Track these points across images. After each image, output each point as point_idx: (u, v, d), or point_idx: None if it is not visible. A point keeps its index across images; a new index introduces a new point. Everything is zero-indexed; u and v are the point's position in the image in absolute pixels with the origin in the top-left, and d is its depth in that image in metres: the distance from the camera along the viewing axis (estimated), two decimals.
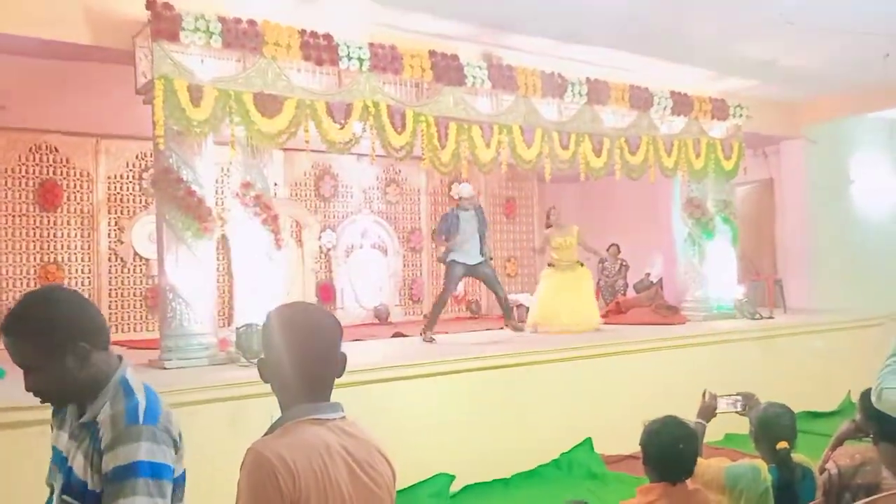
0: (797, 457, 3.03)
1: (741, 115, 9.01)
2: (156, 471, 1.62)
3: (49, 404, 1.82)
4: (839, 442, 3.33)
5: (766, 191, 11.06)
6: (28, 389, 1.72)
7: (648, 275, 10.88)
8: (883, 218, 11.12)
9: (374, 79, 6.29)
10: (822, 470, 3.23)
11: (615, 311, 9.33)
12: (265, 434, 1.71)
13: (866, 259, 10.55)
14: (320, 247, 10.27)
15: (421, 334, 7.31)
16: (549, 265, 8.30)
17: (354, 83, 6.21)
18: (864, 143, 11.00)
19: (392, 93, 6.49)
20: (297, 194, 10.18)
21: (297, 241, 10.08)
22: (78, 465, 1.67)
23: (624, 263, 11.00)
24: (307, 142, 6.00)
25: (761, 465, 2.95)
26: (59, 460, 1.76)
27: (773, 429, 2.99)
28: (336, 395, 5.42)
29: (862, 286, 10.22)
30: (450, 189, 11.36)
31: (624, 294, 10.55)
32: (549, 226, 8.46)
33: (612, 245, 11.02)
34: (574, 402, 6.24)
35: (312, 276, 10.15)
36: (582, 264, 8.27)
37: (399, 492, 5.33)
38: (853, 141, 10.93)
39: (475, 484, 5.46)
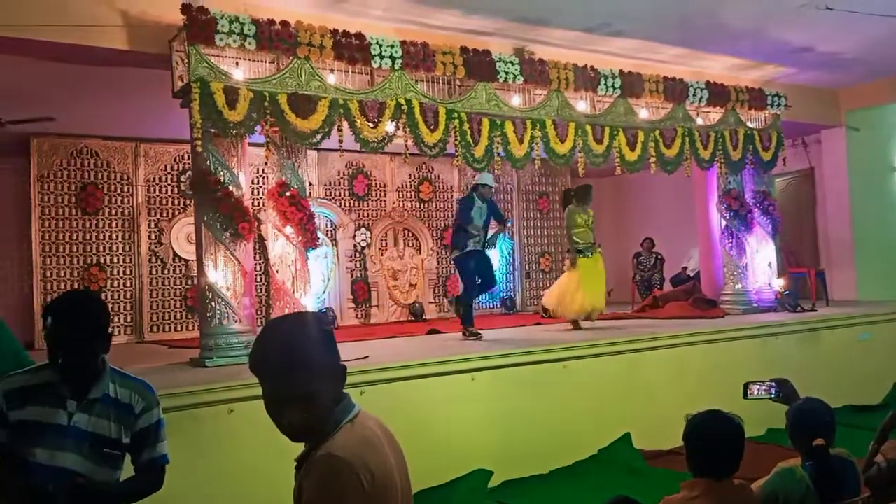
0: (837, 451, 2.96)
1: (779, 105, 8.84)
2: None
3: None
4: (884, 434, 3.25)
5: (807, 181, 10.84)
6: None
7: (685, 268, 10.75)
8: None
9: (406, 77, 6.30)
10: (871, 464, 3.16)
11: (652, 305, 9.23)
12: (313, 442, 1.65)
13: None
14: (355, 245, 10.34)
15: (463, 334, 7.09)
16: (576, 251, 7.66)
17: (387, 81, 6.23)
18: None
19: (424, 90, 6.49)
20: (331, 193, 10.26)
21: (331, 240, 10.16)
22: (109, 427, 2.38)
23: (659, 257, 10.87)
24: (341, 141, 6.03)
25: (794, 464, 2.90)
26: (75, 432, 2.33)
27: (811, 424, 2.93)
28: (373, 393, 5.44)
29: None
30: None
31: (660, 288, 10.43)
32: (565, 204, 7.89)
33: (647, 239, 10.90)
34: (612, 396, 6.19)
35: (347, 275, 10.23)
36: (599, 245, 7.84)
37: (437, 487, 5.37)
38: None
39: (513, 480, 5.45)
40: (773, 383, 3.28)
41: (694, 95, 8.11)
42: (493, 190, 7.45)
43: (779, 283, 8.85)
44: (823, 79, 9.57)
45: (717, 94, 8.31)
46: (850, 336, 8.07)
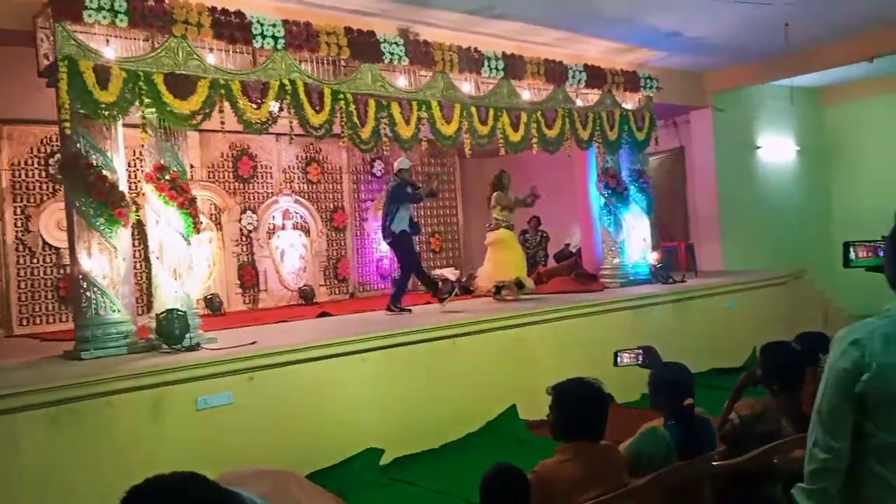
0: (696, 410, 3.24)
1: (652, 87, 9.30)
2: None
3: None
4: (738, 393, 3.58)
5: (678, 159, 11.48)
6: None
7: (568, 245, 11.18)
8: (786, 181, 11.79)
9: (289, 57, 6.21)
10: (726, 421, 3.47)
11: (537, 281, 9.56)
12: None
13: (771, 221, 11.18)
14: (241, 229, 10.12)
15: (389, 308, 7.54)
16: (496, 227, 8.40)
17: (270, 62, 6.12)
18: (767, 109, 11.57)
19: (309, 71, 6.42)
20: (214, 176, 9.97)
21: (216, 224, 9.90)
22: None
23: (544, 235, 11.26)
24: (223, 123, 5.90)
25: (657, 425, 3.15)
26: None
27: (671, 387, 3.18)
28: (262, 379, 5.40)
29: (767, 247, 10.84)
30: (371, 167, 11.34)
31: (545, 265, 10.81)
32: (495, 189, 8.51)
33: (533, 217, 11.24)
34: (499, 370, 6.43)
35: (234, 259, 10.01)
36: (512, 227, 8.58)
37: (328, 468, 5.42)
38: (757, 108, 11.48)
39: (405, 456, 5.58)
40: (640, 350, 3.54)
41: (573, 78, 8.42)
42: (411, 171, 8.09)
43: (653, 257, 9.38)
44: (691, 62, 10.15)
45: (595, 76, 8.66)
46: (717, 304, 8.70)
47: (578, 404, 2.75)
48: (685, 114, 11.14)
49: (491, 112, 7.75)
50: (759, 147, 11.41)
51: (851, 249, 2.35)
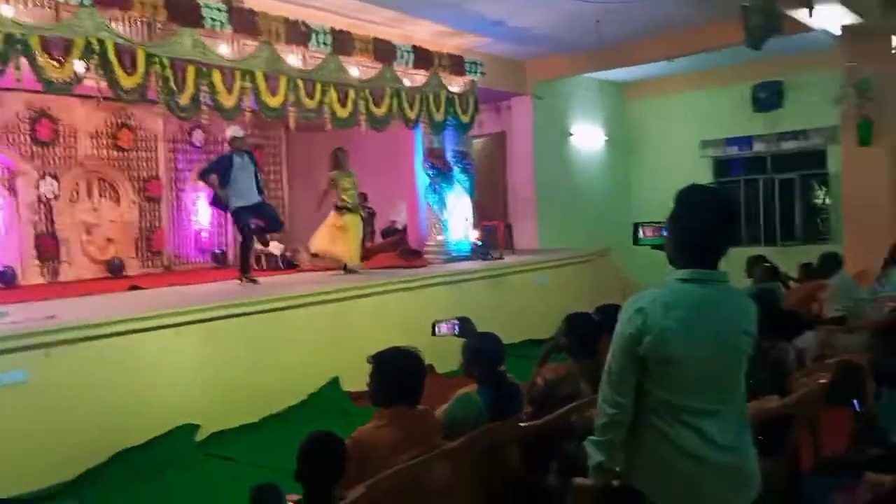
0: (506, 377, 3.48)
1: (476, 72, 9.61)
2: None
3: None
4: (544, 360, 3.87)
5: (500, 143, 11.98)
6: None
7: (394, 222, 11.34)
8: (594, 167, 12.69)
9: (98, 14, 5.75)
10: (533, 384, 3.74)
11: (363, 256, 9.64)
12: None
13: (581, 203, 12.01)
14: (39, 196, 9.26)
15: (239, 279, 7.51)
16: (338, 207, 8.38)
17: (75, 18, 5.64)
18: (580, 100, 12.37)
19: (120, 31, 6.00)
20: (8, 139, 9.03)
21: (8, 190, 9.01)
22: None
23: (371, 211, 11.33)
24: (19, 80, 5.38)
25: (471, 391, 3.36)
26: None
27: (484, 355, 3.39)
28: (62, 355, 5.05)
29: (578, 227, 11.64)
30: (190, 135, 10.80)
31: (371, 241, 10.90)
32: (334, 168, 8.42)
33: (360, 194, 11.27)
34: (322, 343, 6.45)
35: (30, 228, 9.15)
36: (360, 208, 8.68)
37: (140, 446, 5.19)
38: (571, 98, 12.24)
39: (222, 431, 5.46)
40: (457, 321, 3.72)
41: (401, 58, 8.50)
42: (246, 138, 7.86)
43: (474, 235, 9.77)
44: (514, 50, 10.59)
45: (423, 58, 8.80)
46: (531, 280, 9.24)
47: (396, 371, 2.86)
48: (507, 99, 11.62)
49: (318, 86, 7.65)
50: (571, 134, 12.17)
51: (640, 229, 2.60)
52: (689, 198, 2.24)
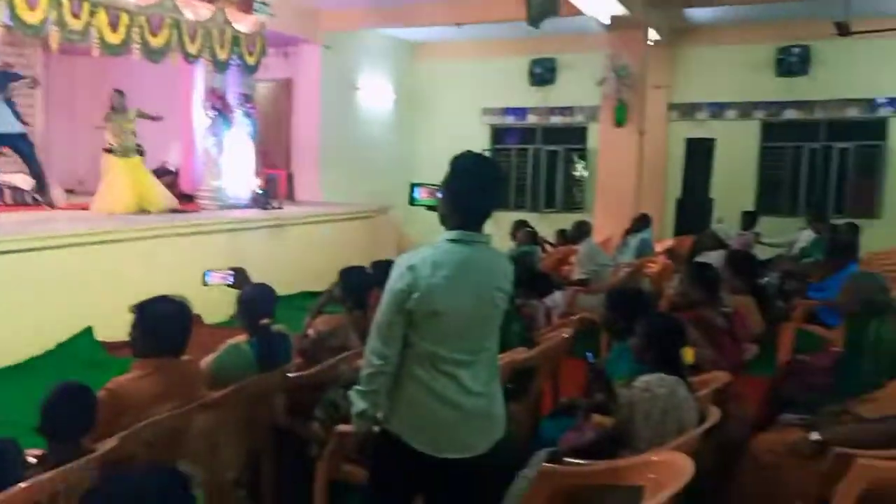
0: (277, 327, 3.50)
1: (265, 12, 9.22)
2: None
3: None
4: (317, 312, 3.94)
5: (285, 89, 11.65)
6: None
7: (165, 163, 10.65)
8: (382, 124, 12.82)
9: None
10: (305, 335, 3.80)
11: None
12: None
13: (367, 159, 12.10)
14: None
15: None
16: (108, 151, 7.94)
17: None
18: (370, 55, 12.37)
19: None
20: None
21: None
22: None
23: (140, 150, 10.54)
24: None
25: (241, 341, 3.34)
26: None
27: (256, 306, 3.39)
28: None
29: (361, 183, 11.74)
30: None
31: None
32: (112, 109, 7.98)
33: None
34: (76, 289, 5.96)
35: None
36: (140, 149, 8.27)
37: None
38: (362, 52, 12.20)
39: None
40: (231, 272, 3.65)
41: None
42: None
43: (254, 183, 9.49)
44: None
45: None
46: (311, 232, 9.21)
47: (160, 321, 2.76)
48: (296, 45, 11.30)
49: (86, 6, 6.91)
50: (359, 89, 12.17)
51: (416, 190, 2.71)
52: (461, 163, 2.38)
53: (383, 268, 4.25)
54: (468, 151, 2.43)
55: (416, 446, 2.31)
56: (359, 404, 2.34)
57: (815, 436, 2.94)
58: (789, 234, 8.98)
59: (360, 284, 3.94)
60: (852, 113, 11.39)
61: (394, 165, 12.78)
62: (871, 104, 11.27)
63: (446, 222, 2.36)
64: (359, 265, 4.21)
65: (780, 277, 6.45)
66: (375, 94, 12.53)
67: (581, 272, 6.55)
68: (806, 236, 8.31)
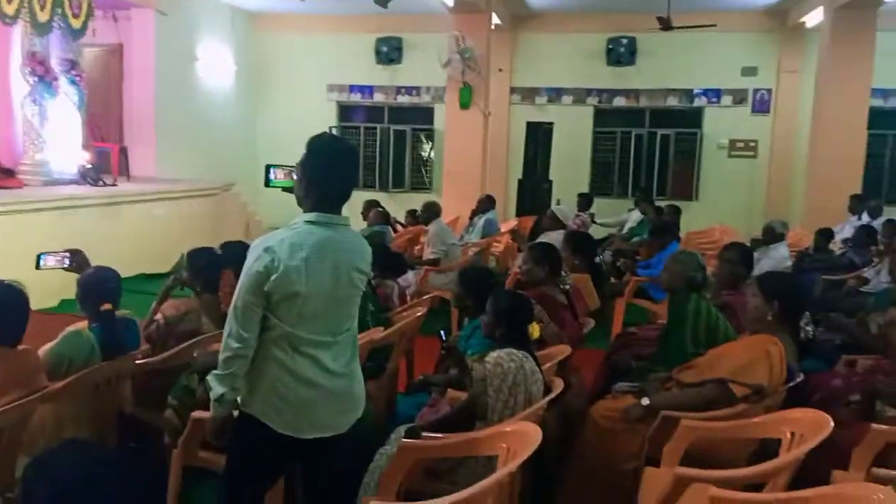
0: (122, 312, 3.33)
1: None
2: None
3: None
4: (164, 296, 3.78)
5: (116, 56, 10.88)
6: None
7: None
8: (223, 97, 12.30)
9: None
10: (152, 321, 3.64)
11: None
12: None
13: (207, 133, 11.59)
14: None
15: None
16: None
17: None
18: (209, 24, 11.81)
19: None
20: None
21: None
22: None
23: None
24: None
25: (82, 327, 3.16)
26: None
27: (98, 290, 3.21)
28: None
29: (201, 158, 11.23)
30: None
31: None
32: None
33: None
34: None
35: None
36: None
37: None
38: (201, 21, 11.62)
39: None
40: (67, 254, 3.42)
41: None
42: None
43: (83, 157, 8.82)
44: None
45: None
46: (149, 210, 8.72)
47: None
48: (127, 9, 10.56)
49: None
50: (198, 59, 11.60)
51: (272, 171, 2.68)
52: (317, 145, 2.39)
53: (234, 249, 4.17)
54: (325, 133, 2.45)
55: (277, 428, 2.32)
56: (217, 388, 2.31)
57: (645, 401, 3.24)
58: (620, 215, 9.68)
59: (209, 266, 3.81)
60: (673, 102, 12.39)
61: (236, 140, 12.35)
62: (689, 94, 12.32)
63: (304, 204, 2.36)
64: (207, 247, 4.06)
65: (612, 256, 6.95)
66: (216, 65, 12.00)
67: (431, 252, 6.70)
68: (635, 217, 9.00)
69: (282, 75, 13.14)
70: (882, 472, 2.59)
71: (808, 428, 2.66)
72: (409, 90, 13.01)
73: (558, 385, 3.11)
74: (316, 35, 12.88)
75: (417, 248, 7.49)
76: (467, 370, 3.14)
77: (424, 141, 13.29)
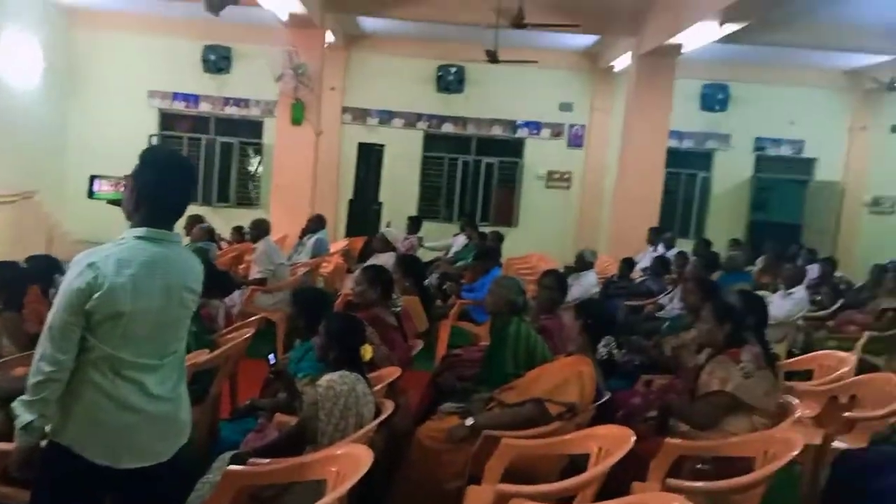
0: None
1: None
2: None
3: None
4: None
5: None
6: None
7: None
8: (28, 96, 11.23)
9: None
10: None
11: None
12: None
13: (6, 136, 10.52)
14: None
15: None
16: None
17: None
18: (15, 14, 10.77)
19: None
20: None
21: None
22: None
23: None
24: None
25: None
26: None
27: None
28: None
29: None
30: None
31: None
32: None
33: None
34: None
35: None
36: None
37: None
38: (7, 11, 10.57)
39: None
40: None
41: None
42: None
43: None
44: None
45: None
46: None
47: None
48: None
49: None
50: None
51: (96, 182, 2.53)
52: (152, 157, 2.32)
53: (40, 263, 3.87)
54: (159, 145, 2.40)
55: (92, 458, 2.19)
56: (25, 416, 2.14)
57: (469, 421, 3.39)
58: (446, 239, 9.99)
59: (12, 282, 3.50)
60: (497, 132, 13.04)
61: (42, 145, 11.32)
62: (512, 125, 13.02)
63: (133, 218, 2.26)
64: (9, 260, 3.73)
65: (438, 279, 7.16)
66: (20, 60, 10.95)
67: (258, 271, 6.54)
68: (460, 241, 9.33)
69: (98, 77, 12.23)
70: (674, 482, 2.89)
71: (612, 443, 2.92)
72: (238, 102, 12.64)
73: (388, 407, 3.17)
74: (138, 36, 12.16)
75: (243, 266, 7.28)
76: (298, 394, 3.12)
77: (252, 155, 12.95)
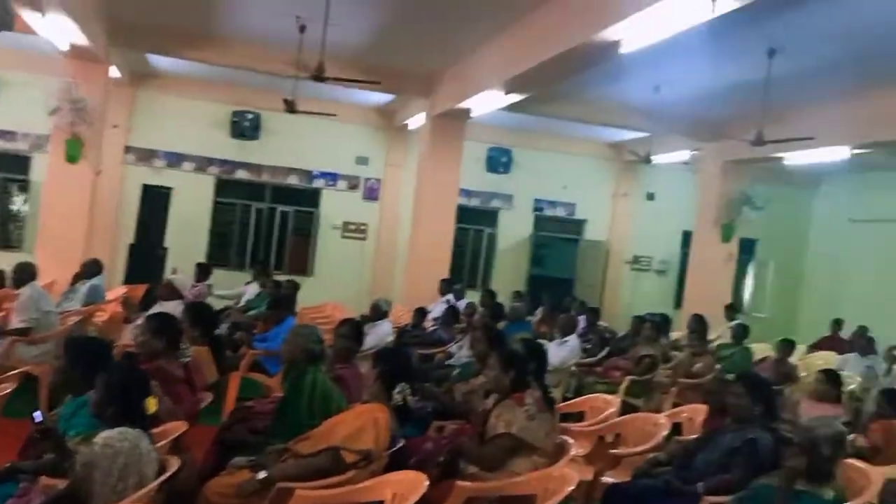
0: None
1: None
2: None
3: None
4: None
5: None
6: None
7: None
8: None
9: None
10: None
11: None
12: None
13: None
14: None
15: None
16: None
17: None
18: None
19: None
20: None
21: None
22: None
23: None
24: None
25: None
26: None
27: None
28: None
29: None
30: None
31: None
32: None
33: None
34: None
35: None
36: None
37: None
38: None
39: None
40: None
41: None
42: None
43: None
44: None
45: None
46: None
47: None
48: None
49: None
50: None
51: None
52: None
53: None
54: None
55: None
56: None
57: (262, 474, 3.29)
58: (238, 287, 9.64)
59: None
60: (294, 181, 12.95)
61: None
62: (308, 175, 13.01)
63: None
64: None
65: (229, 328, 6.89)
66: None
67: (20, 320, 5.86)
68: (252, 290, 9.05)
69: None
70: None
71: (407, 488, 2.98)
72: (3, 134, 11.44)
73: (173, 464, 2.99)
74: None
75: (1, 314, 6.50)
76: (69, 454, 2.84)
77: (17, 193, 11.72)
